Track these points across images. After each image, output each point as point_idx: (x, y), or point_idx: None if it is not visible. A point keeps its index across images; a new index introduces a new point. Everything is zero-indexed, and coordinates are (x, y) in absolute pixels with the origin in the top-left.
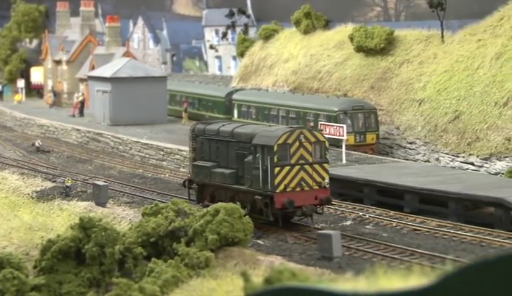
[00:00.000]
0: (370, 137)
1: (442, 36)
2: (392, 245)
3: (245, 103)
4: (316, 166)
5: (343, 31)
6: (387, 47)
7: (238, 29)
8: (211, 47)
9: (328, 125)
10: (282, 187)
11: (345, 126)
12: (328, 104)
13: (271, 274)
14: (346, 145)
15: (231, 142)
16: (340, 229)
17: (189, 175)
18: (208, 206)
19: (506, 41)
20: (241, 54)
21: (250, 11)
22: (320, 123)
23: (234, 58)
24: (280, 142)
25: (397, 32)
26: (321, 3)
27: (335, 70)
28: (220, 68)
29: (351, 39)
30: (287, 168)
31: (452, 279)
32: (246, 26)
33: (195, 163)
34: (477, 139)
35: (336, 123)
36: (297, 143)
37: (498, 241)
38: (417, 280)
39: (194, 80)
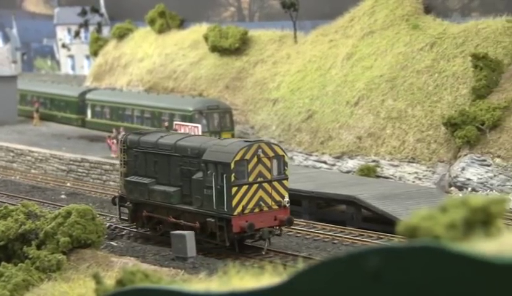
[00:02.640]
0: (225, 137)
1: (295, 37)
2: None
3: (99, 103)
4: (275, 184)
5: (198, 30)
6: (241, 47)
7: (91, 28)
8: (64, 46)
9: (183, 125)
10: (240, 208)
11: (200, 125)
12: (183, 104)
13: (123, 275)
14: None
15: (174, 156)
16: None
17: (120, 192)
18: (143, 227)
19: (357, 42)
20: (94, 53)
21: (103, 9)
22: (175, 122)
23: (88, 57)
24: (237, 158)
25: (251, 33)
26: (176, 2)
27: (190, 70)
28: (73, 68)
29: (206, 38)
30: (245, 187)
31: (303, 277)
32: (99, 24)
33: (128, 178)
34: (330, 138)
35: (191, 122)
36: (255, 159)
37: (350, 238)
38: (269, 279)
39: (46, 80)
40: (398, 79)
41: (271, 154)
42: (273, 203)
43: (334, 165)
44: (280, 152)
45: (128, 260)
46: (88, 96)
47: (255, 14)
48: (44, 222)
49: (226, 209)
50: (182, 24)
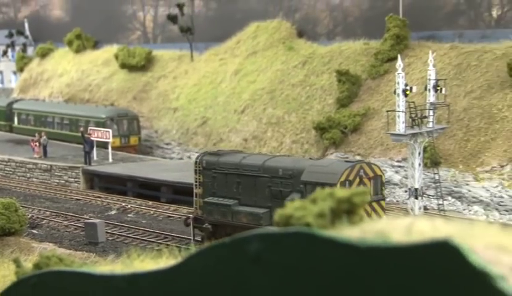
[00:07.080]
0: (133, 140)
1: (192, 56)
2: (150, 230)
3: (25, 112)
4: (375, 205)
5: (110, 50)
6: (146, 64)
7: (17, 48)
8: None
9: (97, 130)
10: None
11: (111, 130)
12: (97, 112)
13: (40, 259)
14: (112, 147)
15: (262, 177)
16: (105, 218)
17: (195, 213)
18: None
19: (242, 60)
20: (21, 69)
21: (27, 32)
22: (90, 128)
23: (15, 73)
24: (342, 179)
25: (155, 52)
26: (90, 26)
27: (103, 83)
28: (2, 81)
29: (116, 57)
30: None
31: (195, 260)
32: (24, 45)
33: (207, 199)
34: (221, 140)
35: (104, 127)
36: (358, 180)
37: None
38: (166, 261)
39: None
40: (277, 91)
41: (371, 174)
42: None
43: None
44: (379, 172)
45: (46, 245)
46: (15, 106)
47: (157, 37)
48: None
49: None
50: (96, 45)
